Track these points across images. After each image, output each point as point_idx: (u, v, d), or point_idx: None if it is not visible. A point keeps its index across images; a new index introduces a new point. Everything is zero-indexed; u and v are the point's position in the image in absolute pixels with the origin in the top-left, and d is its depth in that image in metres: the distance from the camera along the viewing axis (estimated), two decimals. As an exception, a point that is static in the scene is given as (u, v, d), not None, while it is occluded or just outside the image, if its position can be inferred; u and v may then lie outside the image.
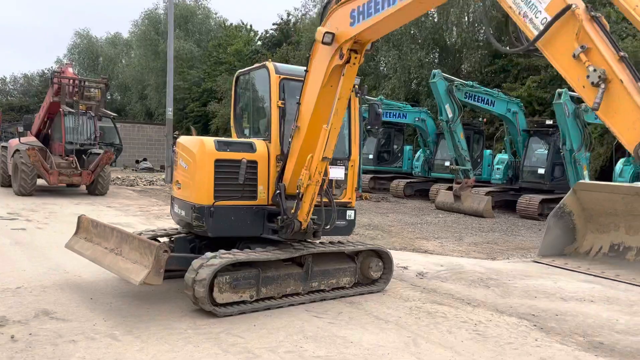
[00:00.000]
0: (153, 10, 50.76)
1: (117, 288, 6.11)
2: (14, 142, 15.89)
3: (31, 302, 5.51)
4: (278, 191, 5.81)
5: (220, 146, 5.93)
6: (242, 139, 6.49)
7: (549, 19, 3.54)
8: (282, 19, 40.53)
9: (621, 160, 15.87)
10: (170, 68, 21.56)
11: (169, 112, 21.14)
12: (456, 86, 15.99)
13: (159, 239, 6.49)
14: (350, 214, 6.51)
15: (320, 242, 6.46)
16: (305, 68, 5.79)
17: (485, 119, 21.24)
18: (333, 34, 5.24)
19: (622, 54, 3.37)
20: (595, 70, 3.35)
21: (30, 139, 15.68)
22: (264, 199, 6.06)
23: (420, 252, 9.70)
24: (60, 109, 14.96)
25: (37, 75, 60.74)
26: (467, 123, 19.40)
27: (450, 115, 15.87)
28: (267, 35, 42.06)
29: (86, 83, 14.44)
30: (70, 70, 15.42)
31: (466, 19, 26.00)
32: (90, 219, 6.19)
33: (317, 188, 5.58)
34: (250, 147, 6.06)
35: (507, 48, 3.90)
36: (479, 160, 19.80)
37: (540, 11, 3.59)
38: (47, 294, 5.81)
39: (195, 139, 6.10)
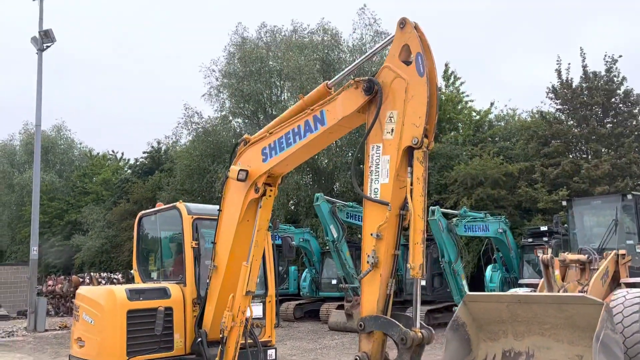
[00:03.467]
0: (8, 142, 47.81)
1: None
2: None
3: None
4: (199, 338, 5.47)
5: (132, 295, 5.56)
6: (154, 284, 6.14)
7: (373, 197, 4.21)
8: (152, 147, 40.31)
9: (489, 267, 17.45)
10: (35, 202, 19.99)
11: (34, 251, 19.21)
12: (338, 207, 16.84)
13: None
14: (271, 353, 6.29)
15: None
16: (218, 207, 5.78)
17: (364, 236, 22.28)
18: (247, 171, 5.35)
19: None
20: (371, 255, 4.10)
21: None
22: (182, 348, 5.67)
23: (330, 382, 9.46)
24: None
25: None
26: (348, 240, 20.21)
27: (335, 235, 16.49)
28: (138, 163, 41.28)
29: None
30: None
31: (334, 144, 28.10)
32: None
33: (241, 329, 5.36)
34: (165, 293, 5.75)
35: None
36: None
37: (379, 182, 4.18)
38: None
39: (102, 288, 5.69)
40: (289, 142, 4.97)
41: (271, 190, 5.43)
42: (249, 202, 5.39)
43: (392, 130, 4.09)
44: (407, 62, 4.08)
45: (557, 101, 22.58)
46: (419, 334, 3.94)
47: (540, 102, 34.80)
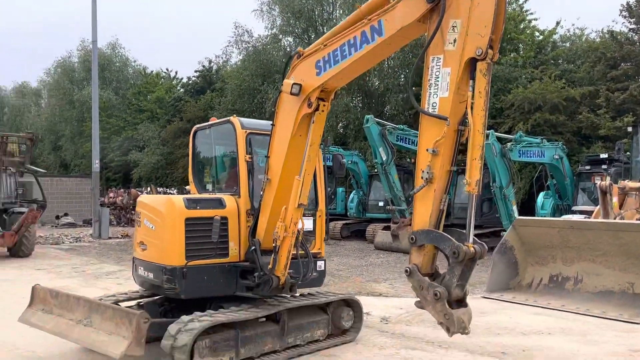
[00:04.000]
0: (66, 59, 49.06)
1: (79, 362, 5.67)
2: None
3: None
4: (253, 247, 5.71)
5: (190, 204, 5.79)
6: (210, 195, 6.36)
7: (430, 111, 4.10)
8: (203, 66, 40.48)
9: (541, 194, 17.08)
10: (95, 117, 20.76)
11: (96, 164, 20.22)
12: (388, 130, 16.65)
13: (120, 304, 6.13)
14: (320, 264, 6.51)
15: (290, 296, 6.38)
16: (271, 122, 5.81)
17: (413, 160, 22.14)
18: (300, 85, 5.28)
19: None
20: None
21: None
22: (236, 256, 5.93)
23: (375, 296, 9.80)
24: (-22, 167, 13.90)
25: None
26: (397, 164, 20.16)
27: (384, 158, 16.43)
28: (190, 82, 41.75)
29: (8, 139, 13.57)
30: (-10, 125, 14.41)
31: (386, 64, 27.32)
32: (48, 289, 5.75)
33: (293, 239, 5.55)
34: (220, 203, 5.95)
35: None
36: (410, 199, 20.51)
37: (437, 96, 4.05)
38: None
39: (162, 197, 5.94)
40: (344, 55, 4.80)
41: (324, 105, 5.37)
42: (301, 117, 5.38)
43: (455, 40, 3.92)
44: None
45: (631, 20, 20.85)
46: (472, 248, 3.96)
47: (612, 22, 32.24)
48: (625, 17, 20.91)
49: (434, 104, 4.05)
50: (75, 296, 5.40)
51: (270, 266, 5.55)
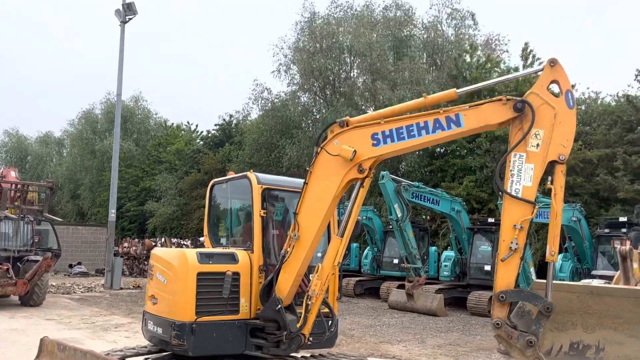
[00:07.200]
0: (90, 110, 50.71)
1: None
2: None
3: None
4: (277, 305, 5.58)
5: (203, 258, 5.77)
6: (223, 250, 6.35)
7: (520, 196, 4.78)
8: (224, 120, 41.39)
9: (560, 256, 16.73)
10: (115, 167, 21.13)
11: (112, 213, 20.41)
12: (404, 187, 16.62)
13: (127, 359, 6.02)
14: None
15: (301, 356, 6.22)
16: (304, 180, 5.80)
17: (428, 217, 22.00)
18: (355, 151, 5.44)
19: None
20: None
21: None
22: (247, 313, 5.85)
23: (389, 359, 9.51)
24: (-3, 214, 14.10)
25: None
26: (412, 221, 20.00)
27: (399, 215, 16.32)
28: (209, 135, 42.60)
29: (29, 187, 13.82)
30: (13, 174, 14.75)
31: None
32: (56, 341, 5.69)
33: (321, 298, 5.55)
34: (233, 259, 5.93)
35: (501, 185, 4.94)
36: (425, 257, 20.22)
37: (520, 184, 4.81)
38: None
39: (175, 250, 5.93)
40: (412, 134, 5.25)
41: (372, 172, 5.65)
42: (347, 181, 5.58)
43: (538, 145, 4.85)
44: (554, 94, 4.87)
45: (647, 84, 21.04)
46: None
47: (627, 86, 32.43)
48: (640, 81, 21.14)
49: (517, 190, 4.80)
50: (82, 350, 5.32)
51: (299, 324, 5.50)
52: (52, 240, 18.08)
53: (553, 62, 4.89)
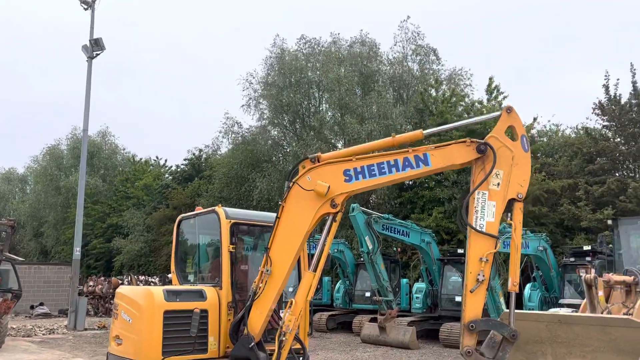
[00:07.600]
0: (55, 146, 49.66)
1: None
2: None
3: None
4: (252, 343, 5.44)
5: (169, 296, 5.65)
6: (191, 287, 6.23)
7: (485, 231, 5.16)
8: (193, 154, 41.12)
9: (528, 286, 16.96)
10: (80, 204, 20.65)
11: (77, 251, 19.83)
12: (374, 219, 16.69)
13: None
14: (303, 361, 6.27)
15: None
16: (276, 215, 5.77)
17: (399, 248, 22.08)
18: (329, 187, 5.49)
19: None
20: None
21: None
22: (215, 351, 5.72)
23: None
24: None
25: None
26: (383, 253, 20.01)
27: (370, 247, 16.32)
28: (178, 170, 42.17)
29: (-11, 225, 13.37)
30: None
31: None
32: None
33: (294, 333, 5.47)
34: (201, 295, 5.82)
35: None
36: (397, 289, 20.19)
37: (484, 219, 5.19)
38: None
39: (141, 288, 5.80)
40: (382, 171, 5.48)
41: (343, 207, 5.75)
42: (320, 215, 5.63)
43: (498, 184, 5.25)
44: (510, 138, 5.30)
45: (604, 117, 21.90)
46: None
47: (585, 118, 33.79)
48: (598, 114, 21.97)
49: (481, 225, 5.16)
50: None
51: None
52: (12, 280, 17.36)
53: (509, 110, 5.32)
